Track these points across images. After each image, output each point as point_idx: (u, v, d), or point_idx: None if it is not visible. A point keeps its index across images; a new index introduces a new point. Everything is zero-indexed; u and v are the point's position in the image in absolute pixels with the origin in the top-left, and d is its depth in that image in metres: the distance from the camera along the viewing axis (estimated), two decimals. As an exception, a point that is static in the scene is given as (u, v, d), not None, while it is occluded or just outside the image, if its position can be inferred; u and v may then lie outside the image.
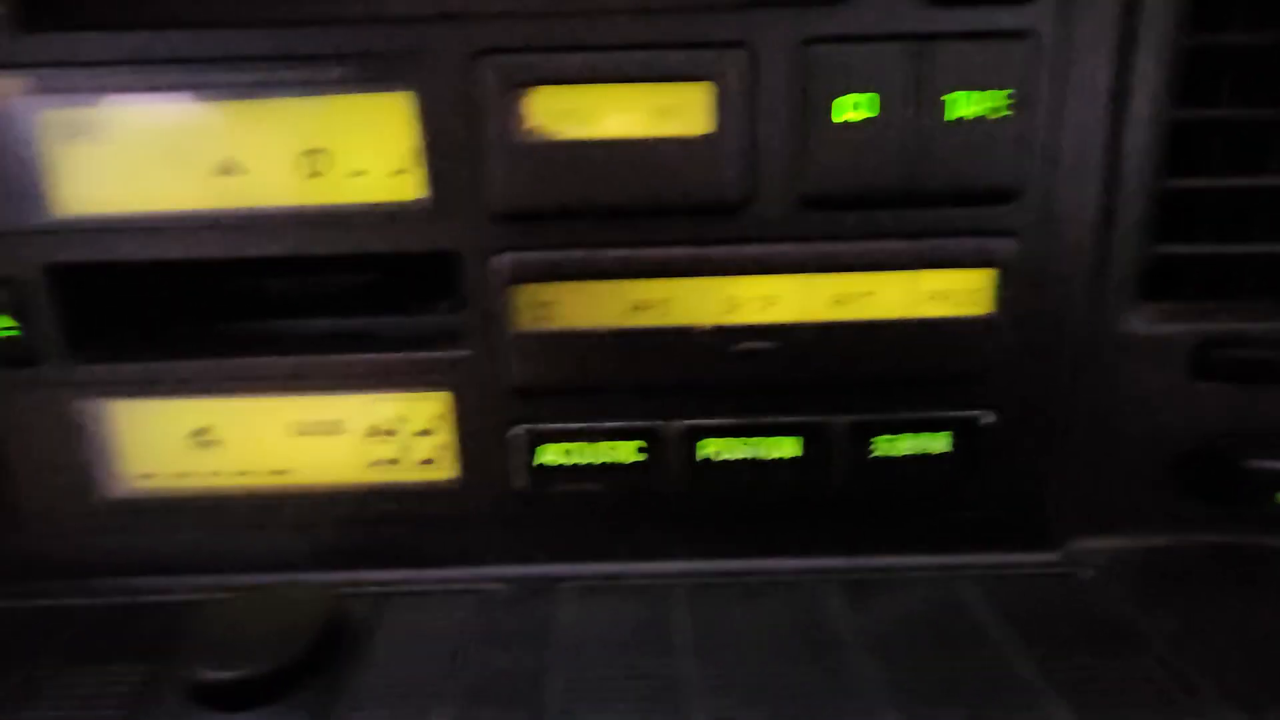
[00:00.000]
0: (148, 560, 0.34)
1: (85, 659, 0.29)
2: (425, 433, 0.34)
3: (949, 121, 0.28)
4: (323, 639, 0.28)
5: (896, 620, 0.30)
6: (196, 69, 0.29)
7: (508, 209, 0.30)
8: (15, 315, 0.31)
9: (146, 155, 0.30)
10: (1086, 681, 0.27)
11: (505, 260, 0.31)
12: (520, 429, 0.33)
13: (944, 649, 0.28)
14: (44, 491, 0.33)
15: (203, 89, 0.29)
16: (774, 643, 0.29)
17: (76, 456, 0.33)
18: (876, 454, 0.33)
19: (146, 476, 0.34)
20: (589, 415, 0.33)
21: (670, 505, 0.33)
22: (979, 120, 0.29)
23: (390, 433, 0.34)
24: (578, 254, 0.30)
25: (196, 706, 0.26)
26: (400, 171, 0.30)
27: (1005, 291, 0.31)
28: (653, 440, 0.33)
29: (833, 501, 0.34)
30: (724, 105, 0.29)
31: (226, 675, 0.26)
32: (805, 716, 0.26)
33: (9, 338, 0.31)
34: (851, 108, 0.28)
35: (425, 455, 0.34)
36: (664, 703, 0.26)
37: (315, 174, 0.30)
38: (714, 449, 0.33)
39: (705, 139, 0.29)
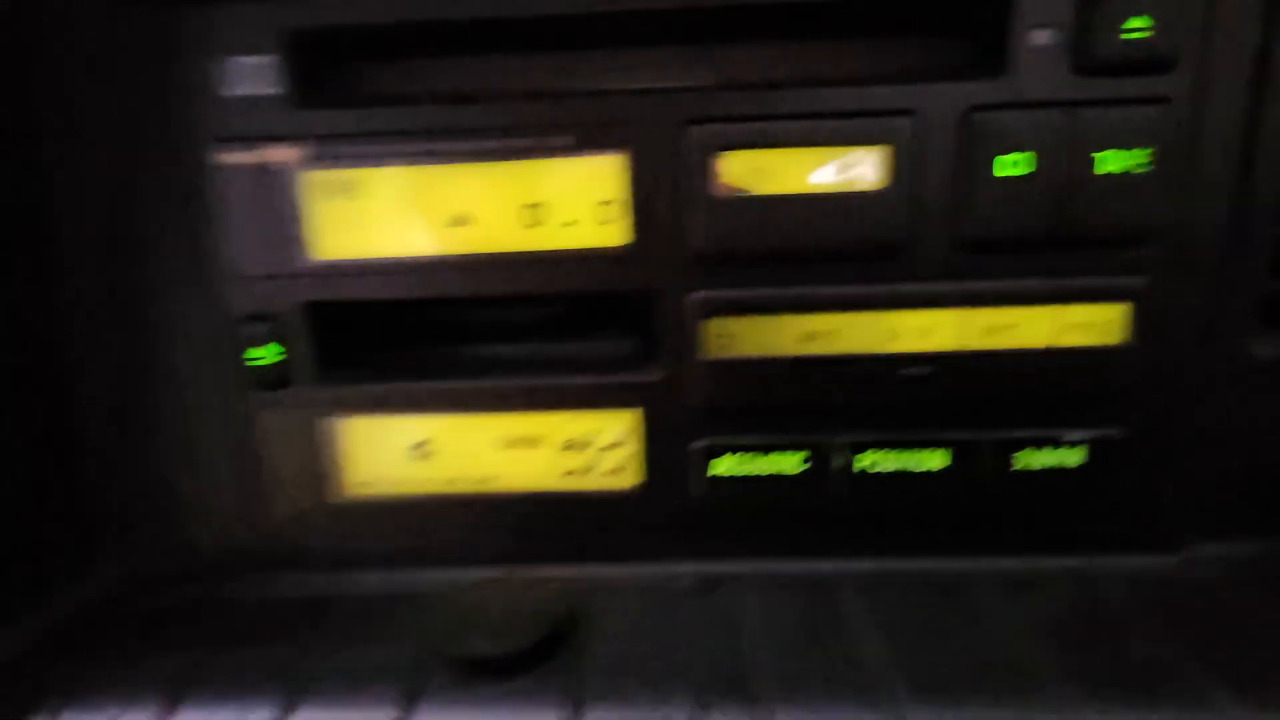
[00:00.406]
0: (371, 557, 0.39)
1: (353, 640, 0.34)
2: (614, 445, 0.38)
3: (1097, 176, 0.33)
4: (558, 621, 0.33)
5: (1045, 615, 0.34)
6: (440, 138, 0.34)
7: (701, 253, 0.35)
8: (271, 345, 0.37)
9: (392, 210, 0.35)
10: (1232, 668, 0.30)
11: (697, 297, 0.35)
12: (700, 443, 0.37)
13: (1101, 640, 0.32)
14: (289, 496, 0.39)
15: (444, 155, 0.35)
16: (944, 630, 0.33)
17: (316, 466, 0.38)
18: (1017, 467, 0.37)
19: (372, 484, 0.39)
20: (761, 431, 0.37)
21: (833, 510, 0.38)
22: (1123, 174, 0.33)
23: (583, 445, 0.38)
24: (760, 291, 0.35)
25: (466, 678, 0.31)
26: (607, 221, 0.35)
27: (1137, 322, 0.35)
28: (817, 453, 0.37)
29: (976, 509, 0.38)
30: (896, 163, 0.33)
31: (492, 650, 0.31)
32: (1000, 692, 0.30)
33: (272, 364, 0.37)
34: (1010, 165, 0.33)
35: (613, 466, 0.39)
36: (860, 679, 0.30)
37: (534, 224, 0.35)
38: (871, 460, 0.37)
39: (878, 193, 0.34)
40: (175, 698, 0.31)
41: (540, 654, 0.32)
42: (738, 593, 0.36)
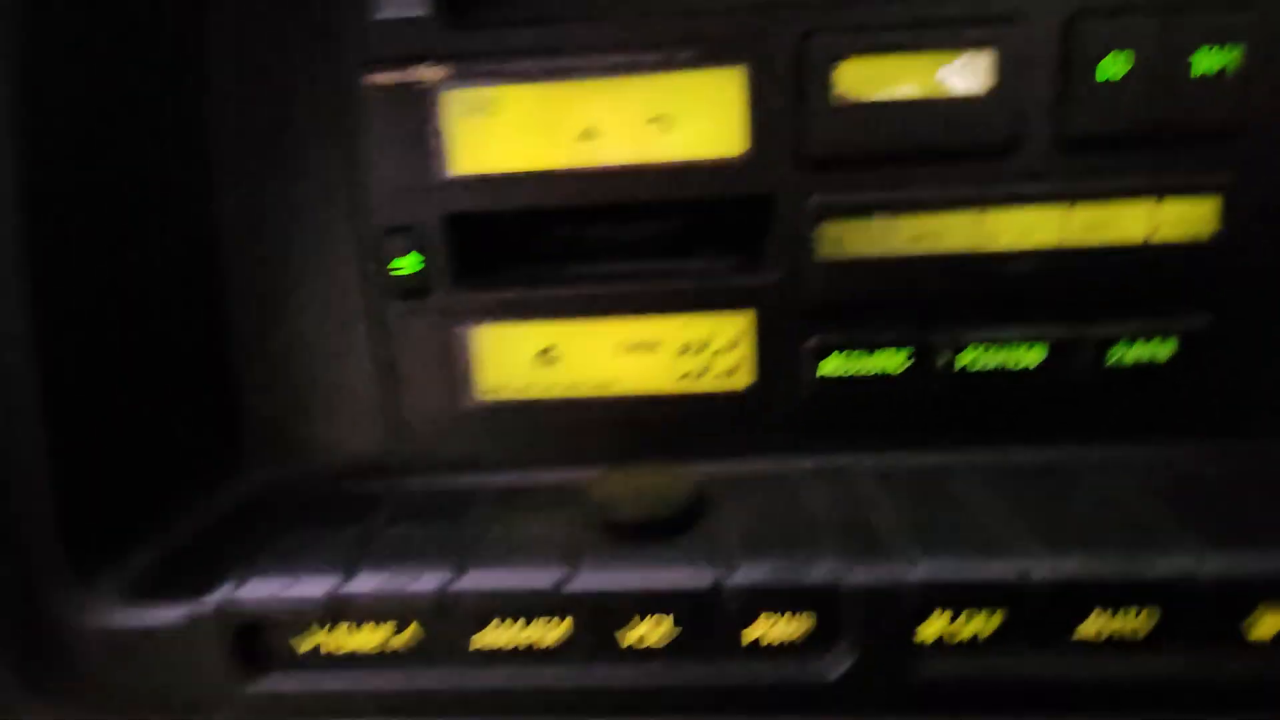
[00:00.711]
0: (503, 458, 0.42)
1: (506, 518, 0.37)
2: (728, 348, 0.41)
3: (1193, 77, 0.35)
4: (697, 495, 0.36)
5: (1149, 488, 0.36)
6: (572, 55, 0.37)
7: (818, 159, 0.37)
8: (411, 255, 0.40)
9: (526, 125, 0.38)
10: None
11: (814, 201, 0.38)
12: (810, 343, 0.40)
13: (1208, 504, 0.35)
14: (424, 402, 0.42)
15: (575, 71, 0.37)
16: (1056, 499, 0.35)
17: (451, 371, 0.41)
18: (1111, 361, 0.39)
19: (499, 390, 0.42)
20: (868, 331, 0.39)
21: (937, 405, 0.40)
22: (1218, 73, 0.35)
23: (699, 349, 0.41)
24: (872, 195, 0.37)
25: (621, 542, 0.34)
26: (727, 133, 0.38)
27: (1229, 216, 0.37)
28: (921, 350, 0.39)
29: (1072, 402, 0.40)
30: (1003, 67, 0.36)
31: (644, 515, 0.34)
32: (1125, 542, 0.32)
33: (413, 273, 0.39)
34: (1111, 67, 0.35)
35: (727, 367, 0.41)
36: (988, 537, 0.33)
37: (659, 136, 0.38)
38: (972, 357, 0.40)
39: (984, 97, 0.36)
40: (351, 564, 0.34)
41: (686, 521, 0.35)
42: (853, 480, 0.39)
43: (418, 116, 0.38)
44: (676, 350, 0.41)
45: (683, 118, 0.38)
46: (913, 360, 0.40)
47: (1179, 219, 0.37)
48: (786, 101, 0.37)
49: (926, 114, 0.36)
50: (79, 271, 0.35)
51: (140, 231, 0.38)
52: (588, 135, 0.38)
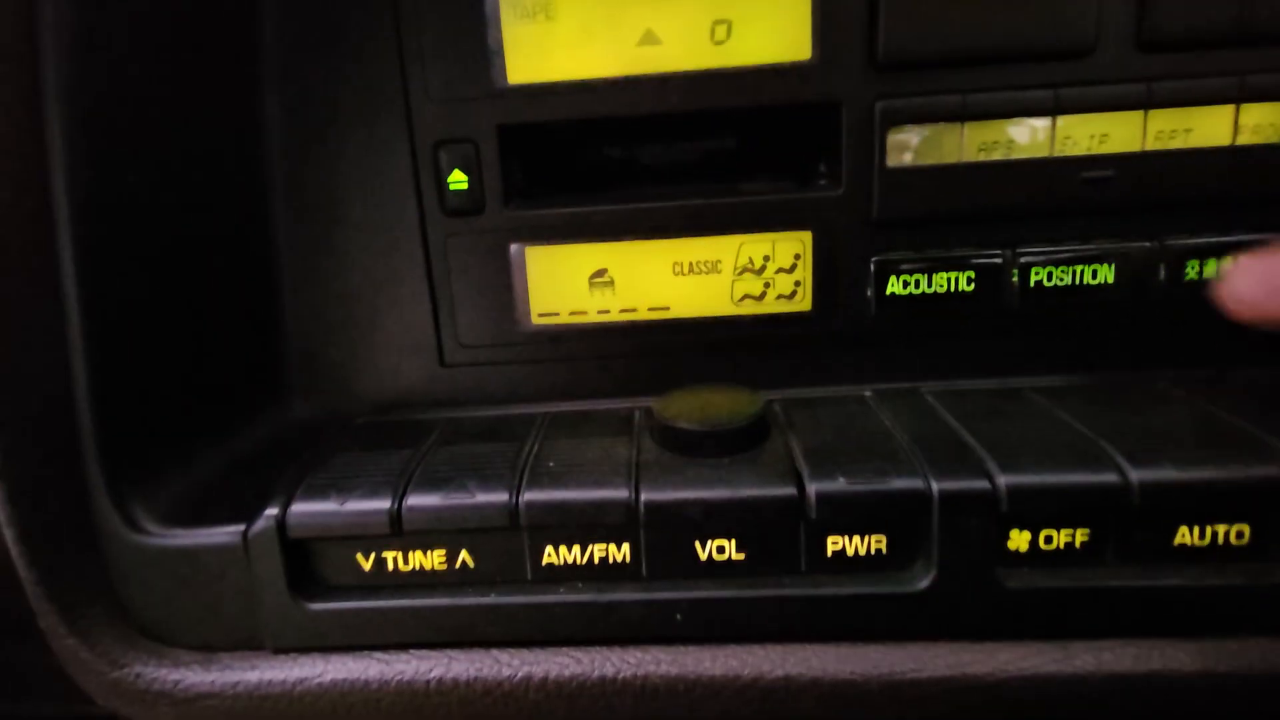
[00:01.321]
0: (556, 386, 0.41)
1: (567, 436, 0.36)
2: (787, 269, 0.39)
3: (1283, -35, 0.33)
4: (765, 411, 0.34)
5: (1237, 404, 0.35)
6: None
7: (887, 60, 0.36)
8: (464, 170, 0.38)
9: (585, 31, 0.37)
10: None
11: (883, 105, 0.36)
12: (872, 261, 0.39)
13: None
14: (476, 323, 0.40)
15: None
16: (1138, 414, 0.34)
17: (503, 294, 0.40)
18: (1190, 276, 0.38)
19: (552, 314, 0.41)
20: (935, 247, 0.38)
21: (1008, 325, 0.39)
22: (1311, -37, 0.33)
23: (758, 269, 0.40)
24: (944, 99, 0.36)
25: (689, 455, 0.33)
26: (792, 37, 0.36)
27: (1315, 122, 0.36)
28: (991, 268, 0.38)
29: (1148, 321, 0.39)
30: (1084, -40, 0.34)
31: (712, 427, 0.32)
32: (1216, 453, 0.31)
33: (466, 189, 0.38)
34: (1198, -41, 0.34)
35: (788, 288, 0.40)
36: (1074, 444, 0.32)
37: (719, 42, 0.36)
38: (1045, 274, 0.38)
39: (1063, -7, 0.35)
40: (403, 483, 0.33)
41: (756, 435, 0.33)
42: (922, 399, 0.37)
43: (473, 22, 0.37)
44: (735, 270, 0.40)
45: (746, 21, 0.36)
46: (982, 278, 0.39)
47: (1262, 123, 0.36)
48: (848, 4, 0.35)
49: (1003, 8, 0.35)
50: (123, 189, 0.33)
51: (186, 150, 0.36)
52: (648, 40, 0.37)
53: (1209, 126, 0.36)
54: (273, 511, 0.32)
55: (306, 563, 0.33)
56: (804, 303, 0.40)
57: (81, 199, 0.31)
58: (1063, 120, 0.36)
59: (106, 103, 0.32)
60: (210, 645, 0.34)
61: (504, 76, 0.37)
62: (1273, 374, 0.39)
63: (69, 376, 0.32)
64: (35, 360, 0.32)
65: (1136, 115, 0.36)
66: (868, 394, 0.39)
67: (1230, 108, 0.36)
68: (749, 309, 0.40)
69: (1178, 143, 0.36)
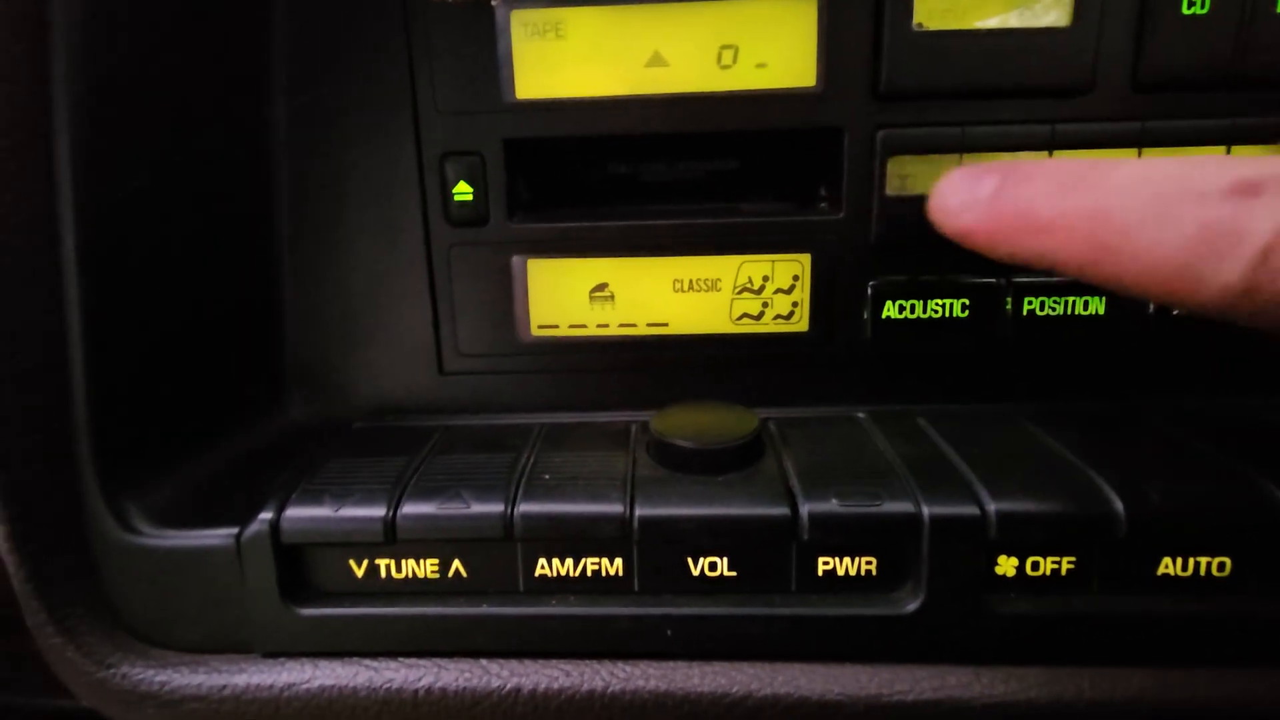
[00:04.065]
0: (553, 397, 0.41)
1: (564, 449, 0.36)
2: (786, 290, 0.40)
3: (1276, 14, 0.34)
4: (758, 430, 0.35)
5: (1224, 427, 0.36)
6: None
7: (890, 91, 0.36)
8: (470, 182, 0.39)
9: (593, 50, 0.37)
10: None
11: (884, 134, 0.37)
12: (870, 285, 0.39)
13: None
14: (476, 332, 0.41)
15: (643, -4, 0.37)
16: (1126, 444, 0.35)
17: (503, 305, 0.40)
18: (1178, 311, 0.39)
19: (552, 326, 0.41)
20: (931, 274, 0.39)
21: (1001, 353, 0.39)
22: (1303, 11, 0.35)
23: (757, 289, 0.40)
24: (945, 130, 0.37)
25: (682, 472, 0.33)
26: (798, 65, 0.37)
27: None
28: (985, 295, 0.39)
29: (1140, 351, 0.39)
30: (1081, 2, 0.35)
31: (706, 446, 0.33)
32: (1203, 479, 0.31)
33: (470, 200, 0.38)
34: (1196, 2, 0.34)
35: (785, 309, 0.40)
36: (1062, 471, 0.32)
37: (726, 66, 0.37)
38: (1036, 304, 0.39)
39: (1063, 31, 0.35)
40: (398, 491, 0.33)
41: (751, 454, 0.34)
42: (915, 423, 0.38)
43: (483, 36, 0.37)
44: (734, 290, 0.41)
45: (753, 48, 0.37)
46: (977, 305, 0.39)
47: (1253, 165, 0.37)
48: (862, 30, 0.36)
49: (1006, 46, 0.36)
50: (127, 192, 0.33)
51: (192, 153, 0.37)
52: (655, 62, 0.37)
53: (1200, 166, 0.37)
54: (266, 516, 0.32)
55: (299, 568, 0.33)
56: (801, 324, 0.40)
57: (85, 200, 0.31)
58: (1058, 155, 0.37)
59: (113, 103, 0.32)
60: (199, 648, 0.34)
61: (512, 91, 0.38)
62: (1262, 405, 0.40)
63: (66, 373, 0.32)
64: (32, 356, 0.32)
65: (1130, 154, 0.37)
66: (862, 416, 0.40)
67: (1222, 149, 0.37)
68: (747, 328, 0.41)
69: (1170, 181, 0.37)
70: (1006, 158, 0.37)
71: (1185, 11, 0.35)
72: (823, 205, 0.40)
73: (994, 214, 0.27)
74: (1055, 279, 0.38)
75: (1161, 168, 0.24)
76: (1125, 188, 0.24)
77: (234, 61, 0.38)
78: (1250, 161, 0.23)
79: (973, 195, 0.27)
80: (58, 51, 0.30)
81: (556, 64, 0.37)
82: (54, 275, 0.31)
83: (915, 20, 0.36)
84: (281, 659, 0.33)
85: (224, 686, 0.33)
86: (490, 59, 0.37)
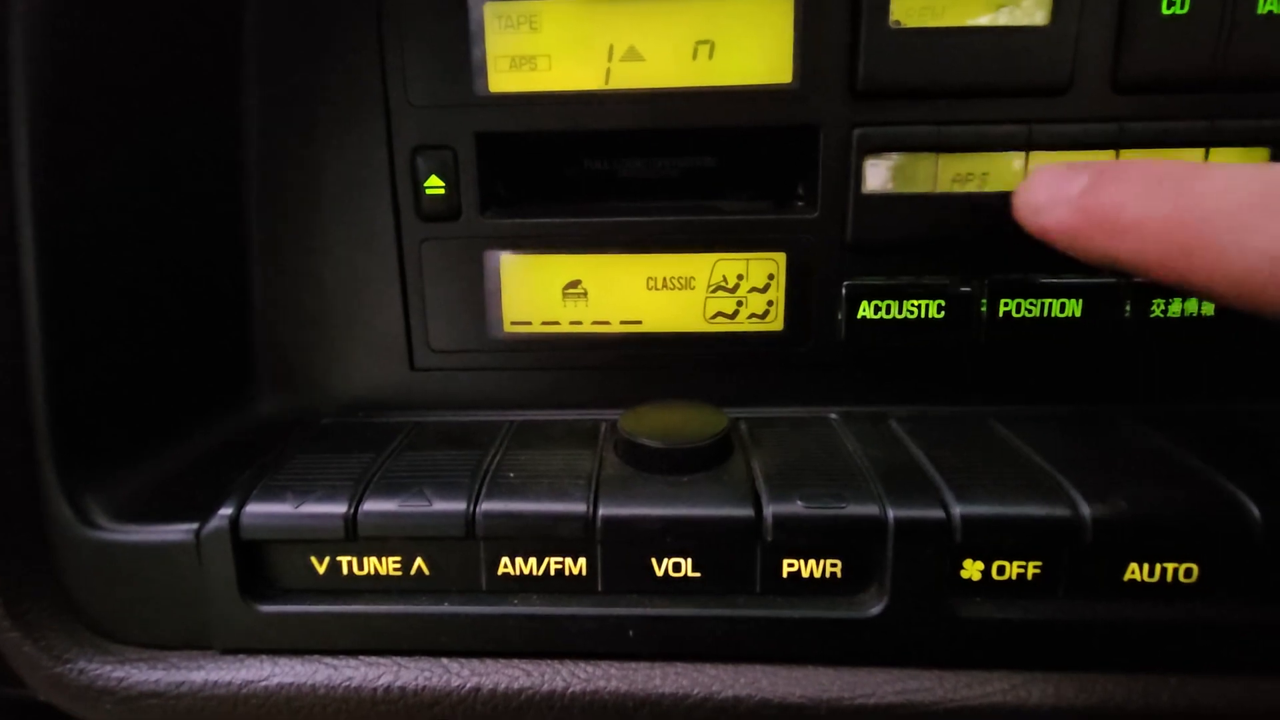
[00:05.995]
0: (525, 394, 0.41)
1: (531, 447, 0.35)
2: (761, 289, 0.40)
3: (1258, 15, 0.34)
4: (727, 430, 0.34)
5: (1196, 437, 0.35)
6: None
7: (867, 89, 0.36)
8: (441, 176, 0.38)
9: (567, 44, 0.37)
10: None
11: (858, 134, 0.37)
12: (844, 285, 0.39)
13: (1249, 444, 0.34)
14: (448, 328, 0.40)
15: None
16: (1097, 447, 0.34)
17: (476, 301, 0.40)
18: (1155, 314, 0.38)
19: (525, 322, 0.40)
20: (907, 274, 0.38)
21: (976, 354, 0.39)
22: (1281, 14, 0.34)
23: (731, 288, 0.40)
24: (922, 129, 0.36)
25: (649, 472, 0.33)
26: (774, 61, 0.37)
27: (1279, 169, 0.36)
28: (961, 296, 0.38)
29: (1115, 355, 0.39)
30: (1060, 1, 0.35)
31: (673, 446, 0.32)
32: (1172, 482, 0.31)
33: (443, 195, 0.38)
34: (1176, 3, 0.34)
35: (760, 309, 0.40)
36: (1030, 477, 0.32)
37: (701, 61, 0.37)
38: (1012, 306, 0.39)
39: (1041, 30, 0.35)
40: (361, 488, 0.32)
41: (719, 454, 0.33)
42: (887, 424, 0.38)
43: (456, 29, 0.37)
44: (708, 288, 0.40)
45: (729, 43, 0.37)
46: (952, 306, 0.39)
47: (1232, 168, 0.37)
48: (839, 27, 0.36)
49: (983, 44, 0.35)
50: (90, 185, 0.33)
51: (160, 147, 0.36)
52: (630, 56, 0.37)
53: (1179, 168, 0.37)
54: (226, 511, 0.32)
55: (259, 564, 0.33)
56: (776, 323, 0.40)
57: (45, 194, 0.31)
58: (1036, 156, 0.37)
59: (76, 93, 0.32)
60: (158, 644, 0.33)
61: (485, 85, 0.37)
62: (1236, 409, 0.39)
63: (24, 365, 0.32)
64: None
65: (1108, 155, 0.37)
66: (833, 416, 0.39)
67: (1200, 151, 0.36)
68: (721, 326, 0.40)
69: (1147, 183, 0.37)
70: (984, 157, 0.37)
71: (1165, 12, 0.34)
72: (799, 204, 0.39)
73: (1081, 212, 0.26)
74: (1035, 279, 0.38)
75: (1251, 174, 0.24)
76: (1214, 193, 0.24)
77: (205, 51, 0.38)
78: None
79: (1062, 192, 0.27)
80: (16, 39, 0.30)
81: (530, 57, 0.37)
82: (11, 269, 0.31)
83: (892, 17, 0.35)
84: (240, 656, 0.33)
85: (181, 683, 0.32)
86: (463, 52, 0.37)
